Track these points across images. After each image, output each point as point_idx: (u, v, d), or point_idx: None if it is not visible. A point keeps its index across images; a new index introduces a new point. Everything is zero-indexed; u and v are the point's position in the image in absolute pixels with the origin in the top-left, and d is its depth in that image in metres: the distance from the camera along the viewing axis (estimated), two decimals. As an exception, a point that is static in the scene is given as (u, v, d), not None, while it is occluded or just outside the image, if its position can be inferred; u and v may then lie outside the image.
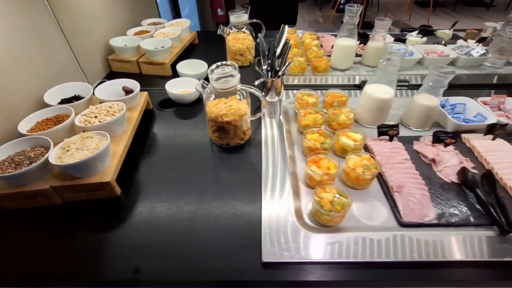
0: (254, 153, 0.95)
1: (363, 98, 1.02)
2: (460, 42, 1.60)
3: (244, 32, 1.49)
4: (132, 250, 0.69)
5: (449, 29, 1.74)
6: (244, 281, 0.63)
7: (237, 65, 0.89)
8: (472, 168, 0.87)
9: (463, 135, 0.97)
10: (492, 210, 0.71)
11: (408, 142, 0.96)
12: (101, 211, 0.78)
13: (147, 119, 1.12)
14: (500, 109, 1.06)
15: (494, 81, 1.35)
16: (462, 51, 1.43)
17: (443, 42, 1.62)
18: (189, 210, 0.77)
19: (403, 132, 1.03)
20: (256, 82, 1.12)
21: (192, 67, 1.36)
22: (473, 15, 5.56)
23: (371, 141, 0.95)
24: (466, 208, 0.75)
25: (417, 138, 0.97)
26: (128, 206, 0.79)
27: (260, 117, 1.11)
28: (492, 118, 0.98)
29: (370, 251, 0.67)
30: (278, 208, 0.76)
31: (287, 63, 1.10)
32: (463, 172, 0.81)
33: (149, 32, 1.52)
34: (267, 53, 1.10)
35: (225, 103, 0.93)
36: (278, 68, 1.07)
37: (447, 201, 0.77)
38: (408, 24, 5.24)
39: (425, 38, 1.58)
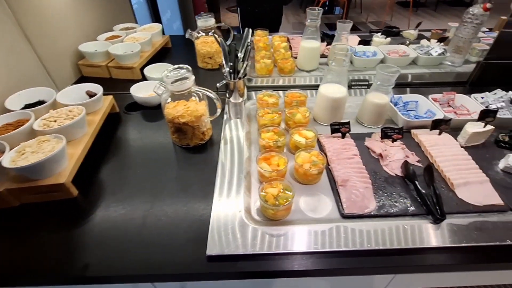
0: (212, 153, 0.99)
1: (318, 97, 1.06)
2: (423, 42, 1.66)
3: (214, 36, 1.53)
4: (85, 249, 0.72)
5: (414, 29, 1.80)
6: (188, 274, 0.67)
7: (190, 68, 0.92)
8: (417, 162, 0.91)
9: (412, 131, 1.02)
10: (428, 201, 0.76)
11: (361, 138, 1.01)
12: (58, 213, 0.80)
13: (112, 122, 1.14)
14: (449, 105, 1.11)
15: (452, 79, 1.41)
16: (422, 50, 1.49)
17: (408, 42, 1.68)
18: (143, 208, 0.80)
19: (358, 129, 1.08)
20: (218, 84, 1.16)
21: (161, 70, 1.38)
22: (454, 15, 5.71)
23: (325, 138, 0.99)
24: (406, 199, 0.80)
25: (370, 135, 1.02)
26: (84, 207, 0.82)
27: (225, 117, 1.15)
28: (440, 114, 1.04)
29: (314, 242, 0.71)
30: (229, 204, 0.79)
31: (245, 65, 1.14)
32: (405, 165, 0.86)
33: (120, 37, 1.55)
34: (228, 56, 1.14)
35: (185, 105, 0.96)
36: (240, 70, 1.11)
37: (390, 193, 0.81)
38: (390, 25, 5.37)
39: (389, 39, 1.64)
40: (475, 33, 1.37)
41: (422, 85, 1.39)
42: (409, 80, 1.41)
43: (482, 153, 0.94)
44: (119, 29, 1.70)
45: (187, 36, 1.44)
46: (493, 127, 0.95)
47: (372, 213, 0.76)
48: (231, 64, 1.13)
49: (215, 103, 0.95)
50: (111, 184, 0.88)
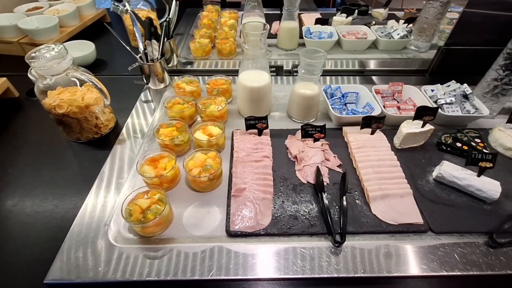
0: (106, 149, 0.84)
1: (238, 87, 0.90)
2: (390, 23, 1.47)
3: (147, 10, 1.33)
4: None
5: (384, 8, 1.61)
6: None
7: (64, 47, 0.75)
8: (338, 166, 0.78)
9: (344, 129, 0.87)
10: (329, 218, 0.63)
11: (285, 136, 0.87)
12: None
13: (6, 109, 0.98)
14: (394, 99, 0.96)
15: (413, 67, 1.24)
16: (382, 33, 1.31)
17: (373, 22, 1.49)
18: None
19: (288, 124, 0.93)
20: (130, 68, 1.00)
21: (82, 48, 1.21)
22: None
23: (239, 135, 0.85)
24: (310, 215, 0.66)
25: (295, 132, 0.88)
26: None
27: (141, 106, 0.99)
28: (378, 109, 0.89)
29: (183, 267, 0.58)
30: (97, 215, 0.66)
31: (161, 46, 0.97)
32: (316, 172, 0.72)
33: (42, 8, 1.35)
34: (142, 35, 0.97)
35: (70, 92, 0.80)
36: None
37: (293, 206, 0.68)
38: (381, 3, 5.04)
39: (350, 18, 1.45)
40: (441, 13, 1.19)
41: (378, 73, 1.22)
42: (365, 66, 1.24)
43: (418, 158, 0.80)
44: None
45: (111, 9, 1.25)
46: (432, 127, 0.80)
47: (262, 232, 0.63)
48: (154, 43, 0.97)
49: (102, 90, 0.79)
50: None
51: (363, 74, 1.21)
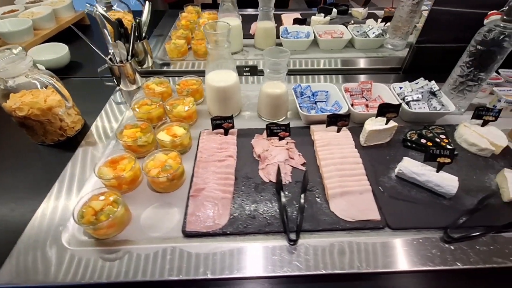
0: (72, 152, 0.83)
1: (206, 87, 0.90)
2: (369, 22, 1.48)
3: (124, 12, 1.33)
4: None
5: (363, 8, 1.61)
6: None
7: (22, 49, 0.75)
8: (302, 165, 0.78)
9: (311, 127, 0.87)
10: (284, 217, 0.63)
11: (252, 135, 0.86)
12: None
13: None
14: (363, 97, 0.96)
15: (389, 65, 1.25)
16: (358, 31, 1.32)
17: (352, 22, 1.50)
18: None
19: (258, 123, 0.92)
20: (99, 69, 1.00)
21: (56, 51, 1.20)
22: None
23: (205, 136, 0.85)
24: (269, 213, 0.66)
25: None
26: None
27: (111, 108, 0.99)
28: (345, 107, 0.89)
29: (134, 268, 0.58)
30: (52, 217, 0.66)
31: (130, 47, 0.97)
32: (277, 171, 0.72)
33: (17, 11, 1.34)
34: (110, 36, 0.97)
35: (32, 95, 0.80)
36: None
37: (253, 205, 0.68)
38: (374, 3, 5.07)
39: (328, 18, 1.45)
40: (414, 11, 1.20)
41: (354, 72, 1.22)
42: (341, 65, 1.24)
43: (383, 155, 0.80)
44: (24, 2, 1.48)
45: (86, 11, 1.24)
46: (396, 124, 0.80)
47: (218, 231, 0.62)
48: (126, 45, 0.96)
49: (62, 93, 0.78)
50: None
51: (339, 73, 1.21)
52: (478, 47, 0.81)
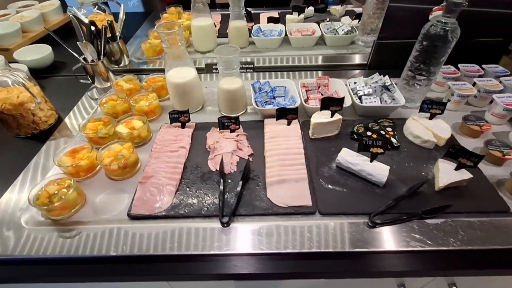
0: (42, 144, 0.90)
1: (167, 84, 0.96)
2: (344, 19, 1.51)
3: (104, 14, 1.41)
4: None
5: (340, 5, 1.64)
6: None
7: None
8: (250, 155, 0.82)
9: (265, 120, 0.92)
10: (220, 202, 0.68)
11: (209, 128, 0.92)
12: None
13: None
14: (319, 92, 1.00)
15: (356, 61, 1.28)
16: (328, 29, 1.35)
17: (328, 19, 1.53)
18: None
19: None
20: (73, 68, 1.07)
21: (40, 52, 1.29)
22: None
23: (164, 128, 0.90)
24: (209, 199, 0.71)
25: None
26: None
27: (83, 104, 1.07)
28: (298, 101, 0.93)
29: (83, 245, 0.64)
30: (14, 202, 0.73)
31: (102, 47, 1.04)
32: (221, 161, 0.77)
33: (9, 15, 1.44)
34: (83, 35, 1.04)
35: (8, 91, 0.87)
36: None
37: (196, 191, 0.73)
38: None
39: (301, 16, 1.49)
40: (380, 8, 1.22)
41: (322, 68, 1.26)
42: (312, 62, 1.28)
43: (328, 147, 0.84)
44: (17, 6, 1.58)
45: (67, 13, 1.32)
46: (340, 117, 0.84)
47: (159, 214, 0.68)
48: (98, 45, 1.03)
49: (29, 90, 0.86)
50: None
51: (309, 70, 1.25)
52: (423, 42, 0.84)
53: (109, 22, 1.10)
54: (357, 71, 1.22)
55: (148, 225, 0.67)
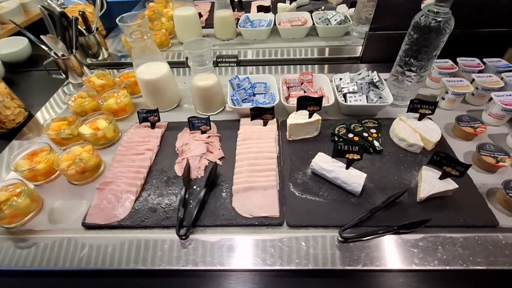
0: (7, 143, 0.87)
1: (138, 80, 0.90)
2: (340, 8, 1.41)
3: (84, 3, 1.34)
4: None
5: (337, -7, 1.53)
6: None
7: None
8: (220, 159, 0.77)
9: (241, 120, 0.86)
10: (179, 211, 0.63)
11: (182, 129, 0.86)
12: None
13: None
14: (301, 89, 0.93)
15: (349, 54, 1.19)
16: (320, 19, 1.26)
17: (323, 7, 1.43)
18: None
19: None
20: (45, 62, 1.02)
21: (16, 45, 1.24)
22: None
23: (133, 129, 0.85)
24: (169, 207, 0.67)
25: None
26: None
27: (55, 101, 1.02)
28: (277, 100, 0.86)
29: (33, 256, 0.60)
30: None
31: (74, 40, 0.98)
32: (185, 165, 0.71)
33: (-12, 6, 1.39)
34: (54, 28, 0.99)
35: (-30, 88, 0.83)
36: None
37: (158, 197, 0.69)
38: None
39: (294, 4, 1.39)
40: (375, -4, 1.12)
41: (311, 62, 1.18)
42: (301, 55, 1.20)
43: (306, 150, 0.78)
44: (-1, -3, 1.53)
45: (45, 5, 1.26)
46: (319, 118, 0.77)
47: (115, 224, 0.64)
48: (59, 38, 0.98)
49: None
50: None
51: (297, 63, 1.17)
52: (414, 34, 0.76)
53: (80, 13, 1.04)
54: (348, 65, 1.14)
55: (103, 236, 0.63)
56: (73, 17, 0.98)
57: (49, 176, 0.74)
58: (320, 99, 0.74)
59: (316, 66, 1.15)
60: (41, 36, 0.93)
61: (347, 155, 0.65)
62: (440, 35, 0.72)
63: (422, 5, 0.77)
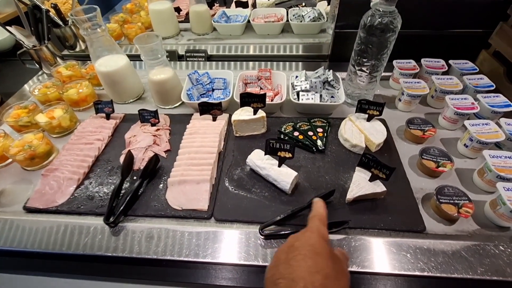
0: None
1: (97, 72, 0.92)
2: (320, 4, 1.39)
3: (69, -5, 1.38)
4: None
5: (321, -11, 1.50)
6: None
7: None
8: (166, 151, 0.79)
9: (193, 115, 0.87)
10: (111, 200, 0.65)
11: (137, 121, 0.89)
12: None
13: None
14: (258, 85, 0.93)
15: (320, 52, 1.17)
16: (294, 15, 1.25)
17: (303, 3, 1.42)
18: None
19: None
20: (18, 52, 1.06)
21: (1, 34, 1.29)
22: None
23: (89, 119, 0.88)
24: (106, 196, 0.69)
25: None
26: None
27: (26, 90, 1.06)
28: (230, 95, 0.87)
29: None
30: None
31: (45, 32, 1.02)
32: (126, 156, 0.73)
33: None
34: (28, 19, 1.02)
35: None
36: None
37: (98, 186, 0.71)
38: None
39: (272, 0, 1.38)
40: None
41: (280, 59, 1.17)
42: (272, 52, 1.19)
43: (251, 146, 0.78)
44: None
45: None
46: (263, 114, 0.78)
47: (53, 209, 0.67)
48: (32, 29, 1.02)
49: None
50: None
51: (268, 60, 1.17)
52: (362, 33, 0.75)
53: (52, 5, 1.07)
54: (319, 63, 1.12)
55: (40, 219, 0.66)
56: (44, 10, 1.01)
57: (4, 161, 0.78)
58: (263, 96, 0.75)
59: (287, 63, 1.15)
60: (7, 27, 0.96)
61: (278, 153, 0.66)
62: (386, 34, 0.71)
63: (371, 3, 0.75)
